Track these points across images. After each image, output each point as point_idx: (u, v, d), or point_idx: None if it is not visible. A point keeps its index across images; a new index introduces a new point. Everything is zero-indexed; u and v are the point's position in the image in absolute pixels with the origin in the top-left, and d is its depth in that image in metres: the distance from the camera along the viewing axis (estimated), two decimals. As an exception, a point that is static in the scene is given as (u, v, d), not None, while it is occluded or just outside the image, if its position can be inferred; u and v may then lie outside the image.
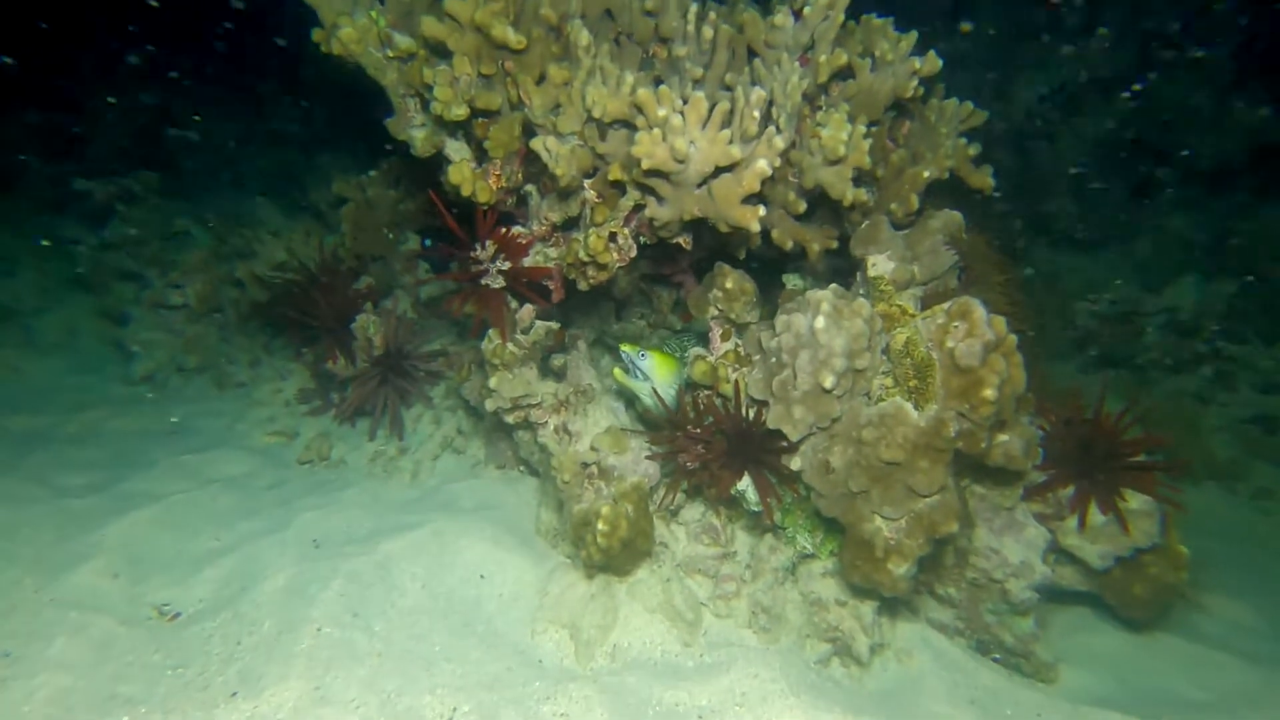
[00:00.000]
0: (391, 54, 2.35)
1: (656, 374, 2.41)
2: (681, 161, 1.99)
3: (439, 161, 2.50)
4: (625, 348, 2.40)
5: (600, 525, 2.19)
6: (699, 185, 2.09)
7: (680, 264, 2.73)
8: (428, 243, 3.45)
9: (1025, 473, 2.12)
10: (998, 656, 2.28)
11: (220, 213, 4.26)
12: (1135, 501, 2.08)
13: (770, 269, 2.72)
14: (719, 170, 2.05)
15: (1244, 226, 5.04)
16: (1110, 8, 5.27)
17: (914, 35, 2.31)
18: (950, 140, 2.47)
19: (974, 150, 2.47)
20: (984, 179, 2.49)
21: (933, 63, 2.29)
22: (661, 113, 1.97)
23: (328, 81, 5.79)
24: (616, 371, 2.39)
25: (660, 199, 2.14)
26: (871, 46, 2.34)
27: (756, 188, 2.02)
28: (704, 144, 1.99)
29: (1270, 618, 2.45)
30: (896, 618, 2.32)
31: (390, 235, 3.41)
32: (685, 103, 1.99)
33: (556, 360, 2.82)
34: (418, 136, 2.39)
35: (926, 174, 2.27)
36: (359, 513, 2.63)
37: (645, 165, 1.98)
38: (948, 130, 2.51)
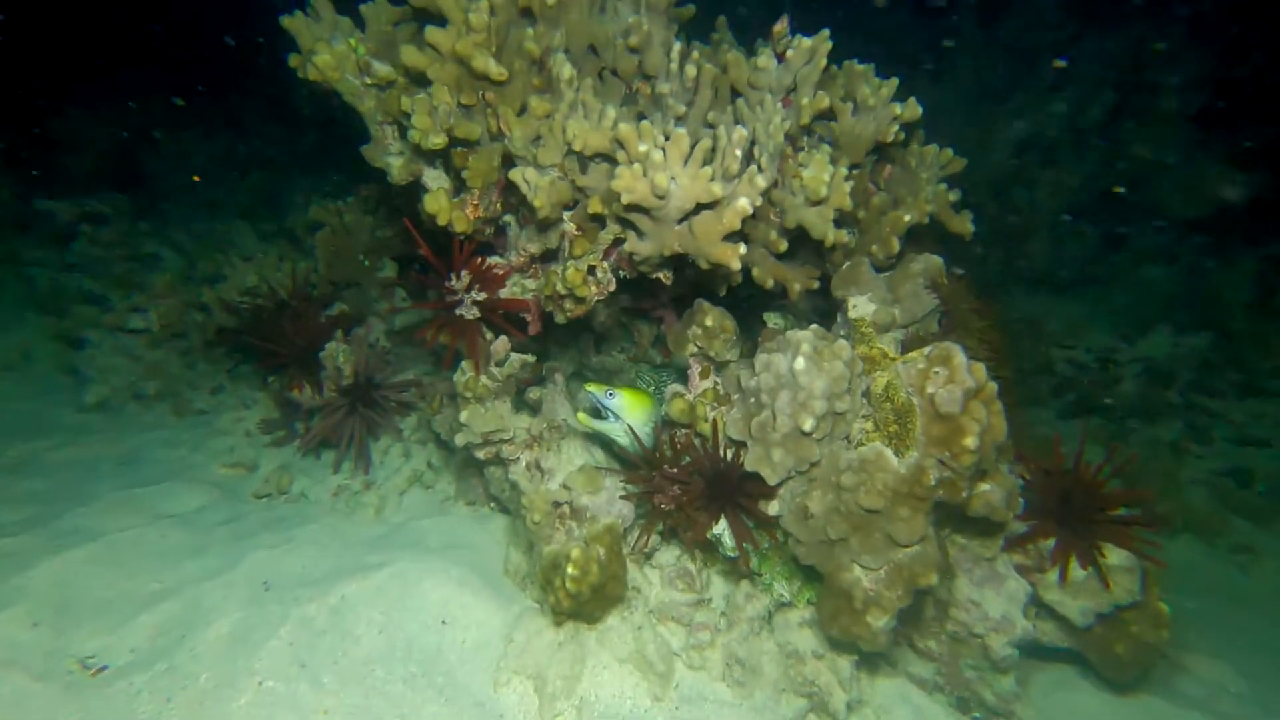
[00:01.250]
0: (370, 81, 2.31)
1: (628, 413, 2.31)
2: (662, 197, 1.96)
3: (417, 189, 2.45)
4: (591, 387, 2.31)
5: (570, 569, 2.09)
6: (679, 221, 2.06)
7: (660, 299, 2.69)
8: (418, 269, 3.39)
9: (1007, 524, 2.07)
10: (978, 715, 2.20)
11: (194, 236, 4.17)
12: (1115, 556, 2.03)
13: (751, 306, 2.69)
14: (700, 207, 2.02)
15: (1211, 278, 5.16)
16: (1085, 63, 5.44)
17: (895, 82, 2.32)
18: (930, 185, 2.48)
19: (954, 196, 2.48)
20: (964, 224, 2.49)
21: (913, 109, 2.30)
22: (643, 148, 1.94)
23: (313, 107, 5.77)
24: (581, 416, 2.29)
25: (640, 234, 2.10)
26: (853, 91, 2.35)
27: (737, 225, 1.99)
28: (685, 180, 1.97)
29: (1252, 679, 2.40)
30: (876, 672, 2.24)
31: (366, 262, 3.33)
32: (667, 139, 1.97)
33: (533, 393, 2.75)
34: (394, 164, 2.34)
35: (907, 218, 2.27)
36: (316, 551, 2.51)
37: (625, 200, 1.95)
38: (928, 175, 2.52)
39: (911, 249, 2.39)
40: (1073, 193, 5.01)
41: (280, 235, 4.23)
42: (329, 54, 2.27)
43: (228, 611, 2.08)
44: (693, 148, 1.96)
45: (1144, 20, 5.59)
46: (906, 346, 2.24)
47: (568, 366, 3.10)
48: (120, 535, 2.43)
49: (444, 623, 2.28)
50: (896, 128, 2.27)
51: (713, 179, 1.96)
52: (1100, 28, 5.70)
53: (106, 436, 3.30)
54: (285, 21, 2.38)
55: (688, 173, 1.97)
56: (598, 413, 2.32)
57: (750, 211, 1.97)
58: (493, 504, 2.83)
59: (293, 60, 2.44)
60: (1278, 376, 4.21)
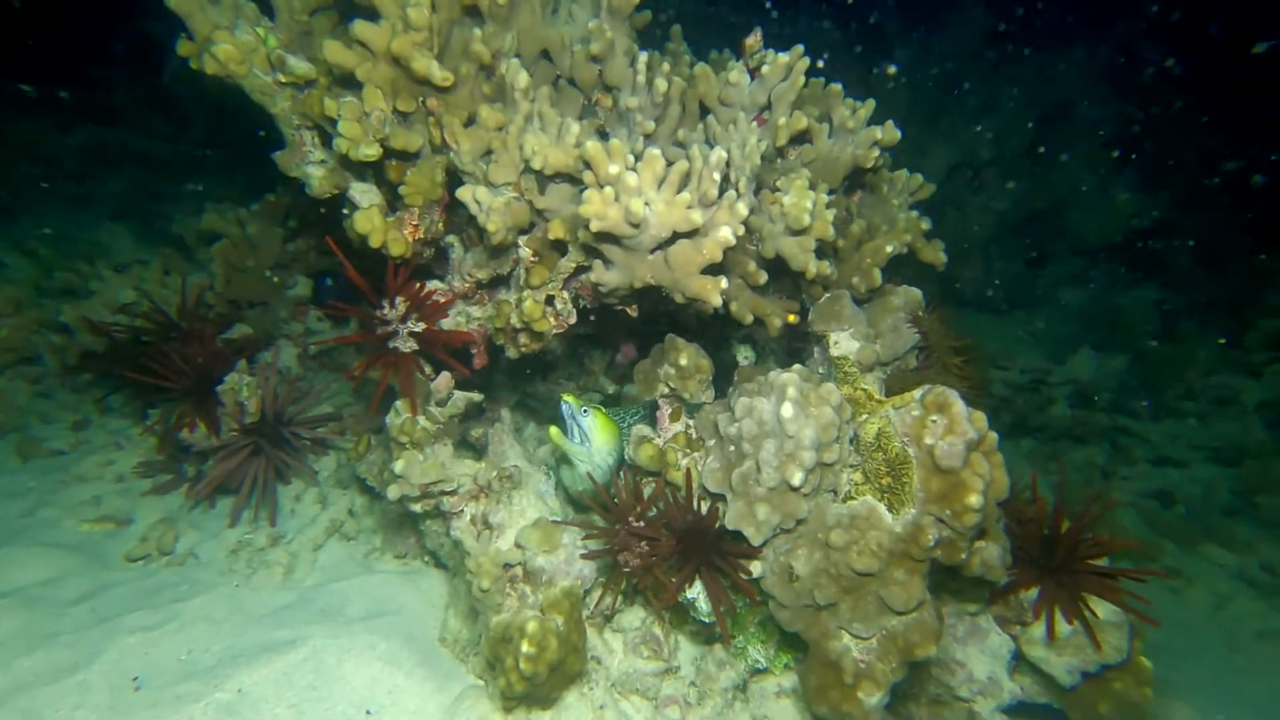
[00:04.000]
0: (284, 80, 1.97)
1: (596, 437, 2.10)
2: (636, 225, 1.73)
3: (341, 202, 2.12)
4: (568, 398, 2.08)
5: (525, 647, 1.81)
6: (653, 250, 1.84)
7: (618, 327, 2.45)
8: (328, 282, 2.99)
9: (999, 581, 1.96)
10: (960, 777, 2.08)
11: (49, 240, 3.56)
12: (1101, 610, 1.95)
13: (712, 336, 2.49)
14: (676, 236, 1.80)
15: (1121, 301, 5.43)
16: (1006, 92, 5.63)
17: (872, 103, 2.20)
18: (903, 213, 2.37)
19: (926, 224, 2.38)
20: (936, 254, 2.39)
21: (891, 132, 2.18)
22: (613, 170, 1.71)
23: (203, 96, 5.14)
24: (554, 432, 2.04)
25: (608, 263, 1.86)
26: (829, 112, 2.21)
27: (719, 257, 1.79)
28: (661, 206, 1.75)
29: None
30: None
31: (275, 278, 2.92)
32: (638, 159, 1.75)
33: (474, 431, 2.46)
34: (315, 175, 2.00)
35: (889, 248, 2.14)
36: (207, 630, 2.10)
37: (595, 227, 1.70)
38: (899, 202, 2.41)
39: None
40: (1000, 216, 5.15)
41: (163, 243, 3.69)
42: (232, 45, 1.91)
43: (78, 725, 1.66)
44: (668, 170, 1.75)
45: (1056, 54, 5.86)
46: (890, 386, 2.10)
47: (510, 396, 2.81)
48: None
49: (369, 713, 1.96)
50: (877, 153, 2.13)
51: (691, 206, 1.75)
52: (1017, 57, 5.93)
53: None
54: (173, 2, 2.00)
55: (663, 198, 1.75)
56: (566, 430, 2.10)
57: (733, 242, 1.78)
58: (426, 557, 2.50)
59: (184, 48, 2.06)
60: (1189, 398, 4.43)
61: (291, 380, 2.83)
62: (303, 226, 2.96)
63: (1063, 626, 1.98)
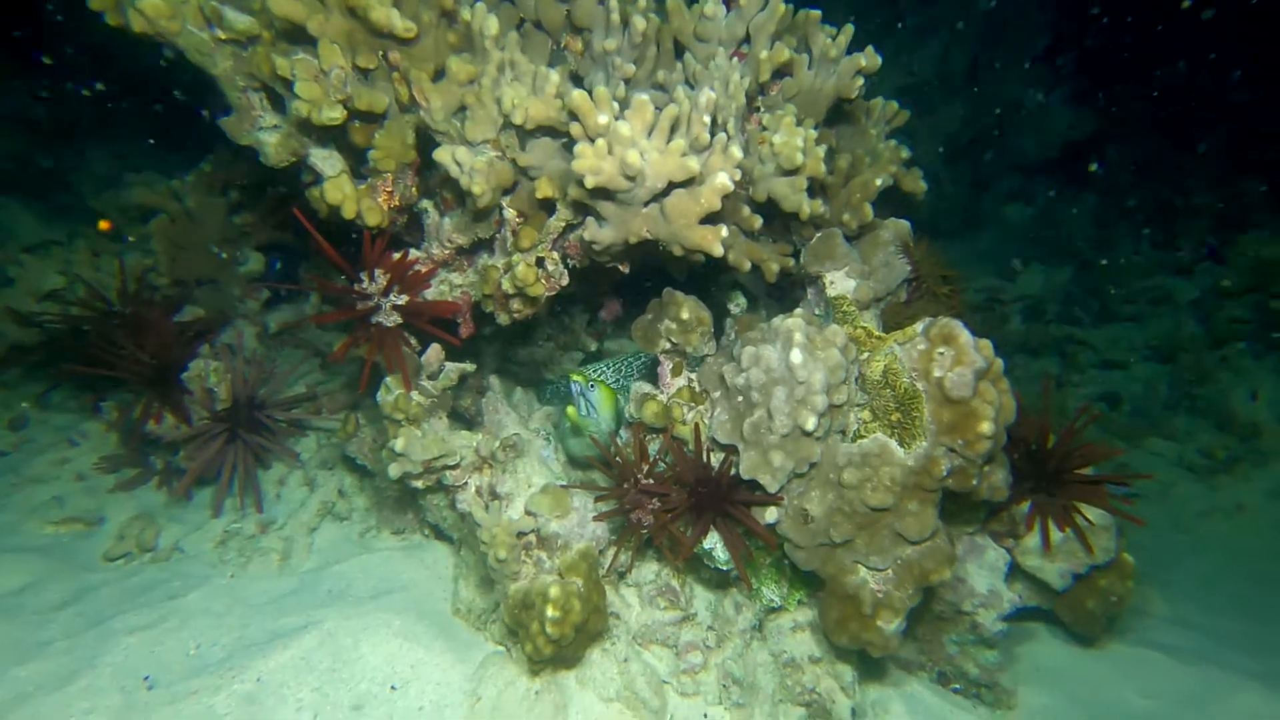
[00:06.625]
0: (223, 36, 1.76)
1: (602, 408, 2.09)
2: (632, 178, 1.65)
3: (298, 170, 1.95)
4: (576, 376, 2.06)
5: (550, 611, 1.82)
6: (647, 204, 1.77)
7: (603, 285, 2.39)
8: (277, 265, 2.80)
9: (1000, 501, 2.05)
10: (958, 687, 2.22)
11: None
12: (1090, 515, 2.08)
13: (689, 285, 2.46)
14: (672, 186, 1.73)
15: (1060, 214, 5.61)
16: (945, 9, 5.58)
17: (850, 29, 2.13)
18: (883, 142, 2.34)
19: (905, 153, 2.36)
20: (916, 182, 2.39)
21: (873, 59, 2.12)
22: (603, 120, 1.62)
23: (95, 51, 4.61)
24: (571, 412, 2.03)
25: (601, 220, 1.79)
26: (807, 41, 2.13)
27: (717, 205, 1.73)
28: (655, 156, 1.67)
29: (1179, 609, 2.61)
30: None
31: (223, 255, 2.71)
32: (623, 106, 1.66)
33: (464, 400, 2.39)
34: (269, 142, 1.83)
35: (878, 181, 2.12)
36: (211, 623, 2.03)
37: (590, 183, 1.62)
38: (878, 132, 2.38)
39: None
40: (948, 139, 5.19)
41: (76, 221, 3.38)
42: (160, -4, 1.69)
43: (96, 730, 1.60)
44: (657, 116, 1.67)
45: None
46: (885, 322, 2.12)
47: (491, 363, 2.73)
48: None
49: (393, 688, 1.94)
50: (861, 82, 2.08)
51: (685, 153, 1.68)
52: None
53: None
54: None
55: (655, 146, 1.68)
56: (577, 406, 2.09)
57: (731, 188, 1.72)
58: (426, 531, 2.46)
59: (96, 1, 1.82)
60: (1128, 301, 4.65)
61: (257, 362, 2.67)
62: (247, 197, 2.74)
63: (1054, 534, 2.10)
